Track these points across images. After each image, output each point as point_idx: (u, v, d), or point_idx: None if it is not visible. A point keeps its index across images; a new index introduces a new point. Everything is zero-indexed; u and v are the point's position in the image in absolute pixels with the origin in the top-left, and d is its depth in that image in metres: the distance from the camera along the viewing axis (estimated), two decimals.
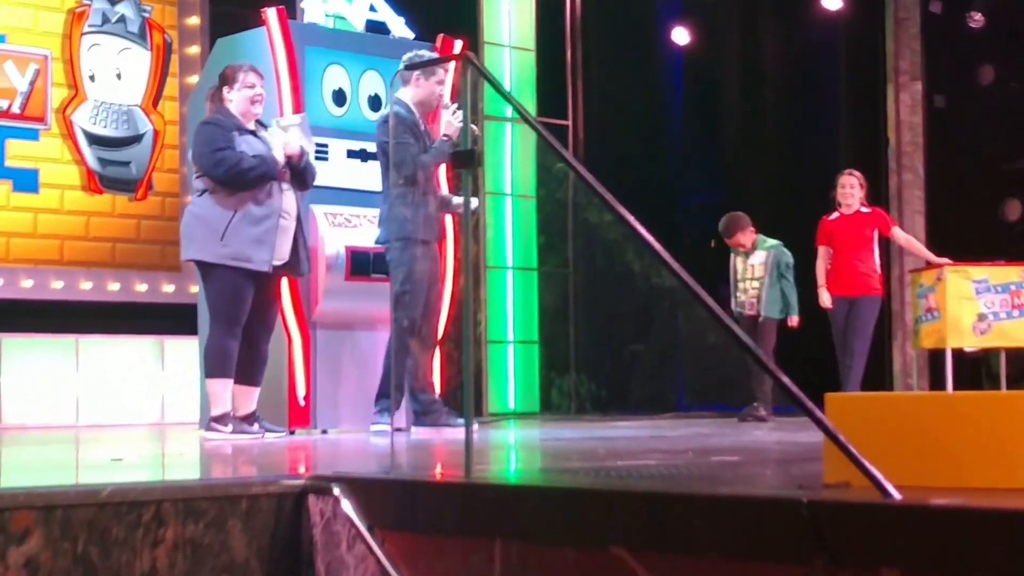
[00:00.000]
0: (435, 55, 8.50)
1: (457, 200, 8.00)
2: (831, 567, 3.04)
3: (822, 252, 9.84)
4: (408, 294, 7.65)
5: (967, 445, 3.46)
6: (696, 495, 3.45)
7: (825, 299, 9.71)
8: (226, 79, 7.44)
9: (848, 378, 9.44)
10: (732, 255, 10.15)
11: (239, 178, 7.16)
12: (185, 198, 10.52)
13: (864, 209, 9.80)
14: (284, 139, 7.30)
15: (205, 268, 7.29)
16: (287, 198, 7.35)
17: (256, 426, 7.37)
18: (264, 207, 7.24)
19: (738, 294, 10.03)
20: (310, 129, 7.60)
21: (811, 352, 9.98)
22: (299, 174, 7.40)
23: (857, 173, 9.89)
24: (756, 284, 9.96)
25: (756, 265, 10.01)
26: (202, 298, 8.11)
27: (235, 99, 7.40)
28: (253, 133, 7.40)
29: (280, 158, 7.27)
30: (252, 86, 7.42)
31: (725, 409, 10.10)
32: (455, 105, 7.91)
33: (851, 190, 9.78)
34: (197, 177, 7.32)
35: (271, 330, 7.53)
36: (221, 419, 7.24)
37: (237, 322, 7.23)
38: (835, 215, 9.83)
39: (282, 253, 7.32)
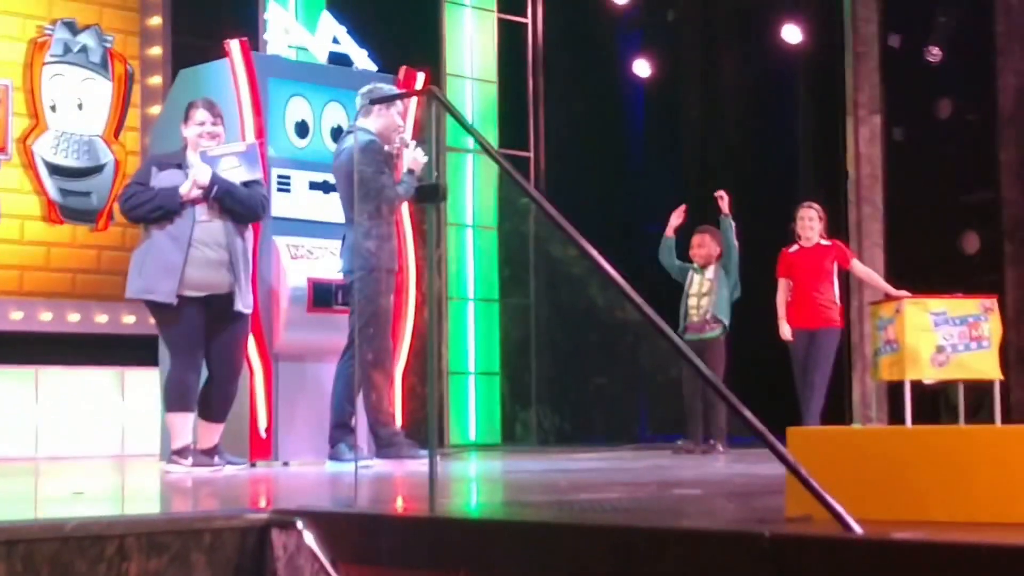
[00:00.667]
0: (393, 87, 8.51)
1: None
2: None
3: (782, 284, 9.88)
4: (373, 326, 7.64)
5: (929, 479, 3.49)
6: (660, 529, 3.47)
7: (786, 331, 9.74)
8: (184, 115, 7.46)
9: (808, 410, 9.47)
10: (691, 271, 10.12)
11: (137, 211, 7.22)
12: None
13: (824, 242, 9.85)
14: (196, 171, 7.22)
15: (146, 305, 7.32)
16: (207, 228, 7.20)
17: (217, 459, 7.34)
18: (174, 239, 7.15)
19: (689, 311, 9.99)
20: (258, 158, 7.46)
21: (770, 384, 10.01)
22: (219, 202, 7.22)
23: (816, 205, 9.95)
24: (706, 300, 9.96)
25: (709, 280, 10.02)
26: None
27: (188, 136, 7.40)
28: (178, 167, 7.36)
29: (184, 189, 7.15)
30: (202, 123, 7.37)
31: (683, 440, 10.12)
32: (415, 142, 7.92)
33: (810, 223, 9.83)
34: None
35: (235, 369, 7.41)
36: (181, 452, 7.21)
37: (191, 353, 7.19)
38: (795, 247, 9.88)
39: (210, 284, 7.18)
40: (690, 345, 9.55)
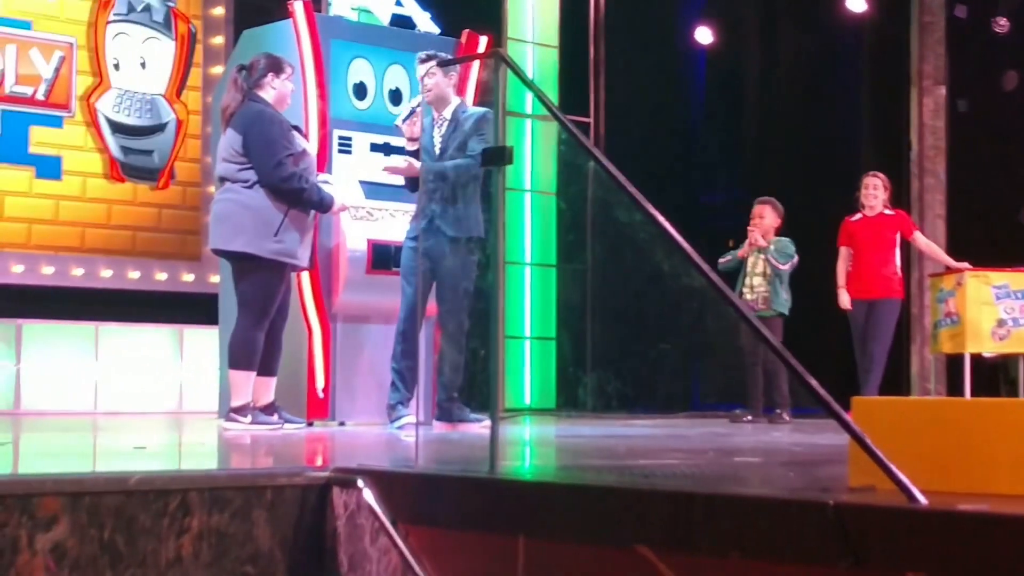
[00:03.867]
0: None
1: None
2: (856, 570, 3.04)
3: (843, 253, 9.82)
4: (449, 290, 7.63)
5: (993, 451, 3.47)
6: (721, 495, 3.46)
7: (845, 300, 9.69)
8: (273, 66, 7.41)
9: (867, 381, 9.42)
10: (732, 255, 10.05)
11: (290, 196, 7.21)
12: (207, 188, 10.57)
13: (887, 211, 9.78)
14: (348, 194, 7.63)
15: (248, 261, 7.23)
16: None
17: (276, 416, 7.39)
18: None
19: (744, 290, 9.93)
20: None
21: (830, 354, 9.97)
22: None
23: (881, 175, 9.87)
24: (763, 280, 9.89)
25: (763, 261, 9.93)
26: (226, 289, 8.15)
27: (279, 89, 7.38)
28: (297, 130, 7.46)
29: (336, 208, 7.50)
30: (291, 81, 7.46)
31: (741, 409, 10.09)
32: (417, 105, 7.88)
33: (875, 191, 9.75)
34: (247, 167, 7.25)
35: (286, 319, 7.57)
36: (241, 410, 7.25)
37: (268, 316, 7.25)
38: (858, 216, 9.81)
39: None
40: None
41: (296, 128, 7.49)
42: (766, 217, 10.01)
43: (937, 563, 2.93)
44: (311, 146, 7.76)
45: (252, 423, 7.23)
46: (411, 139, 7.78)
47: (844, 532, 3.08)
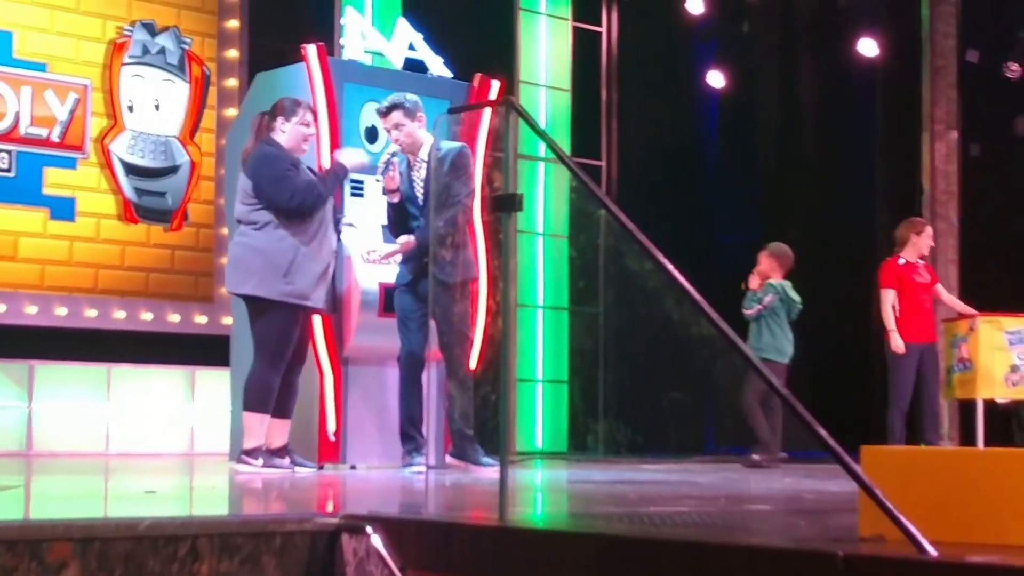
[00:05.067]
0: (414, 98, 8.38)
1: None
2: None
3: (891, 296, 9.78)
4: (445, 336, 7.68)
5: (1003, 502, 3.45)
6: (732, 545, 3.45)
7: (899, 344, 9.65)
8: (282, 110, 7.45)
9: (936, 426, 9.51)
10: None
11: (315, 204, 7.25)
12: (220, 229, 10.59)
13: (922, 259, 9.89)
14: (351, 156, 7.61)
15: (259, 303, 7.26)
16: (330, 242, 7.52)
17: (287, 460, 7.39)
18: (324, 246, 7.37)
19: (750, 334, 9.93)
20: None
21: (838, 399, 9.95)
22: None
23: None
24: (772, 325, 9.88)
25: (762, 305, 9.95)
26: (238, 331, 8.17)
27: (289, 132, 7.43)
28: (310, 169, 7.50)
29: (349, 164, 7.57)
30: (308, 124, 7.50)
31: (742, 451, 10.08)
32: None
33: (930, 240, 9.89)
34: (257, 209, 7.28)
35: (303, 363, 7.59)
36: (253, 452, 7.25)
37: (283, 358, 7.27)
38: (903, 261, 9.82)
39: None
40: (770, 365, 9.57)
41: (310, 169, 7.54)
42: (761, 263, 10.07)
43: None
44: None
45: (264, 466, 7.23)
46: (392, 191, 7.77)
47: None
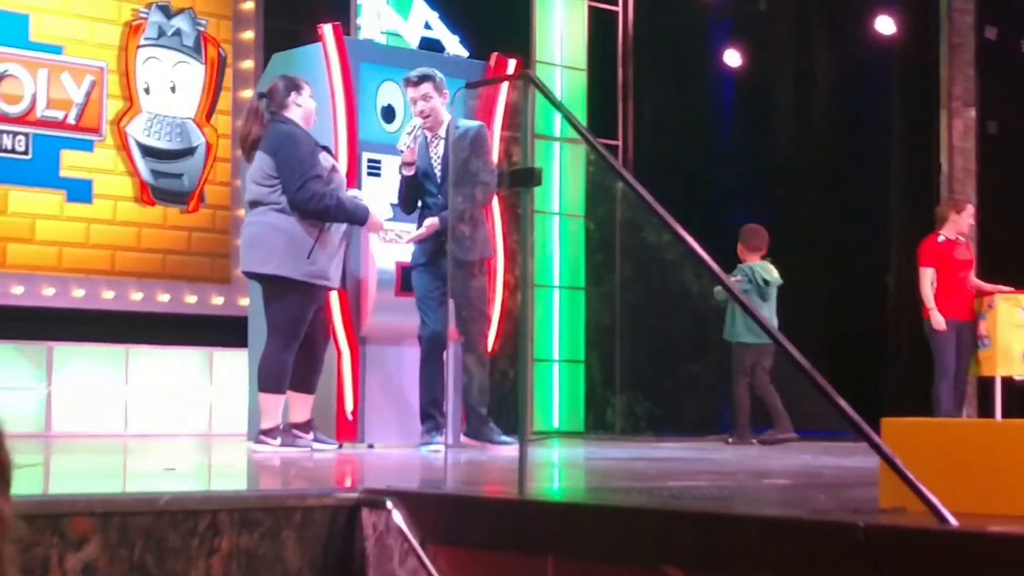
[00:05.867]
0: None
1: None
2: None
3: (930, 274, 9.75)
4: (464, 311, 7.68)
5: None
6: (750, 516, 3.45)
7: (940, 321, 9.63)
8: (295, 85, 7.46)
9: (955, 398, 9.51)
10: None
11: (317, 215, 7.23)
12: (236, 211, 10.60)
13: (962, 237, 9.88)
14: (381, 209, 7.59)
15: (279, 283, 7.25)
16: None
17: (311, 435, 7.38)
18: (338, 227, 7.38)
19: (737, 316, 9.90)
20: None
21: (854, 375, 9.93)
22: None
23: None
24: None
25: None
26: (255, 311, 8.18)
27: (304, 106, 7.43)
28: (326, 149, 7.50)
29: (371, 220, 7.51)
30: (315, 103, 7.51)
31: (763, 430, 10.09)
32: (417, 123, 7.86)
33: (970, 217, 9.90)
34: (277, 190, 7.25)
35: (329, 340, 7.64)
36: (271, 432, 7.27)
37: (297, 338, 7.28)
38: (943, 238, 9.81)
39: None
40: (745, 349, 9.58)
41: (325, 148, 7.53)
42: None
43: None
44: (340, 164, 7.79)
45: (282, 445, 7.24)
46: (409, 164, 7.77)
47: (874, 554, 3.07)
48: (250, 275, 7.49)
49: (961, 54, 11.87)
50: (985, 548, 2.94)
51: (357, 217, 7.38)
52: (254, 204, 7.37)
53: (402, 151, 7.78)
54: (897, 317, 12.05)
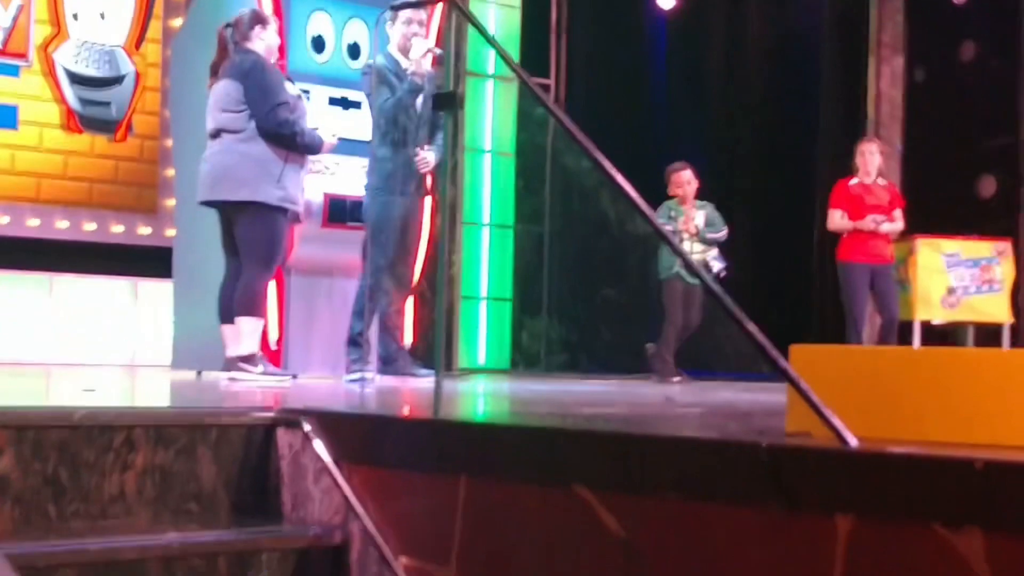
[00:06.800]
0: None
1: (425, 153, 7.92)
2: (787, 511, 3.09)
3: (837, 216, 9.75)
4: (383, 235, 7.64)
5: (930, 400, 3.50)
6: (658, 437, 3.51)
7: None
8: (259, 19, 7.43)
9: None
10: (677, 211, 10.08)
11: (285, 141, 7.19)
12: (165, 141, 10.54)
13: (881, 180, 9.76)
14: (332, 134, 7.46)
15: (253, 210, 7.18)
16: None
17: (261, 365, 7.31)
18: (301, 154, 7.34)
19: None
20: None
21: (777, 310, 10.03)
22: None
23: (878, 141, 9.91)
24: (699, 245, 9.89)
25: (699, 225, 9.99)
26: (183, 242, 8.16)
27: (267, 40, 7.39)
28: (289, 80, 7.48)
29: (326, 150, 7.48)
30: (278, 39, 7.49)
31: (696, 373, 10.19)
32: (427, 43, 7.85)
33: (871, 157, 9.74)
34: (245, 116, 7.22)
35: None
36: (250, 359, 7.18)
37: (275, 262, 7.27)
38: (855, 181, 9.76)
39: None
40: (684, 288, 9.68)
41: (288, 79, 7.52)
42: (694, 182, 10.08)
43: (866, 505, 2.98)
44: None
45: (263, 373, 7.15)
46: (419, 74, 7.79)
47: (777, 474, 3.12)
48: (219, 204, 7.38)
49: (891, 1, 11.96)
50: (883, 468, 2.99)
51: (314, 148, 7.36)
52: (217, 133, 7.30)
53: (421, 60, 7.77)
54: (821, 263, 12.17)
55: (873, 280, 9.43)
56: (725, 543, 3.21)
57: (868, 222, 9.43)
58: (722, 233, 9.95)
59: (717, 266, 9.83)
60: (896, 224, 9.56)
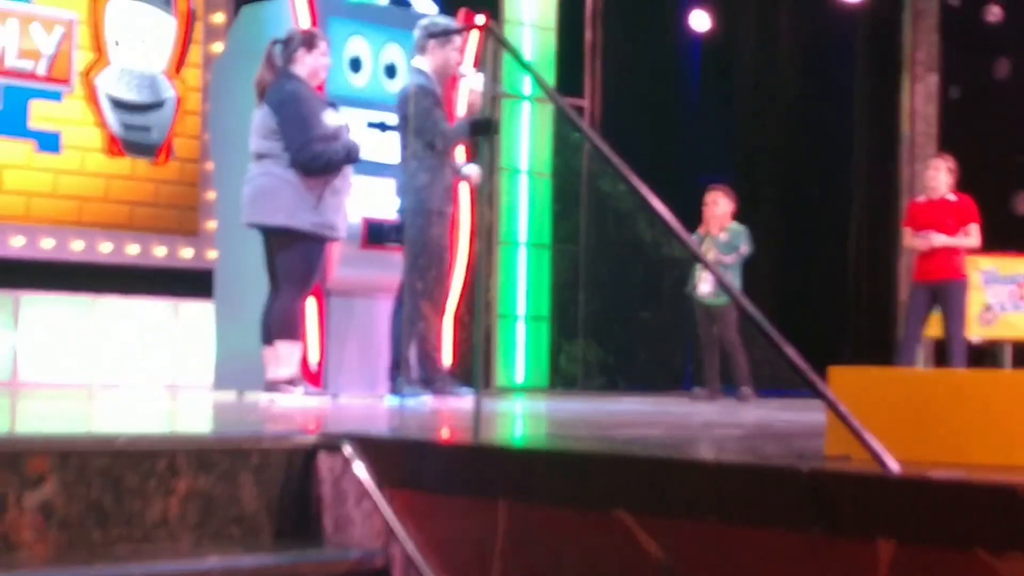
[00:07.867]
0: (451, 22, 8.50)
1: (468, 168, 8.00)
2: (829, 536, 3.10)
3: (907, 233, 9.61)
4: (422, 259, 7.69)
5: (970, 423, 3.50)
6: (699, 461, 3.52)
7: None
8: (307, 41, 7.44)
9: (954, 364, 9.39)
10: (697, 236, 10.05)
11: (320, 173, 7.23)
12: (204, 164, 10.62)
13: (951, 197, 9.60)
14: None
15: (288, 235, 7.23)
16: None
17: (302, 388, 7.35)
18: (344, 179, 7.36)
19: (698, 279, 9.95)
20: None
21: (810, 326, 10.00)
22: None
23: (948, 157, 9.76)
24: (722, 268, 9.83)
25: (721, 246, 9.97)
26: (225, 264, 8.23)
27: (311, 64, 7.40)
28: (332, 105, 7.49)
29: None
30: (327, 56, 7.49)
31: (699, 388, 10.19)
32: (477, 75, 7.91)
33: (935, 173, 9.58)
34: (285, 149, 7.27)
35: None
36: (292, 381, 7.23)
37: (309, 287, 7.34)
38: (922, 198, 9.65)
39: None
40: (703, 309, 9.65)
41: (331, 104, 7.53)
42: (720, 204, 10.06)
43: (908, 530, 2.98)
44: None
45: (304, 394, 7.20)
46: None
47: (817, 498, 3.13)
48: (258, 227, 7.43)
49: (925, 19, 11.94)
50: (925, 494, 2.99)
51: (352, 157, 7.38)
52: (260, 156, 7.35)
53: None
54: (857, 279, 12.14)
55: (936, 297, 9.32)
56: (766, 567, 3.22)
57: (917, 241, 9.36)
58: (730, 258, 9.92)
59: (705, 289, 9.82)
60: (965, 239, 9.40)
